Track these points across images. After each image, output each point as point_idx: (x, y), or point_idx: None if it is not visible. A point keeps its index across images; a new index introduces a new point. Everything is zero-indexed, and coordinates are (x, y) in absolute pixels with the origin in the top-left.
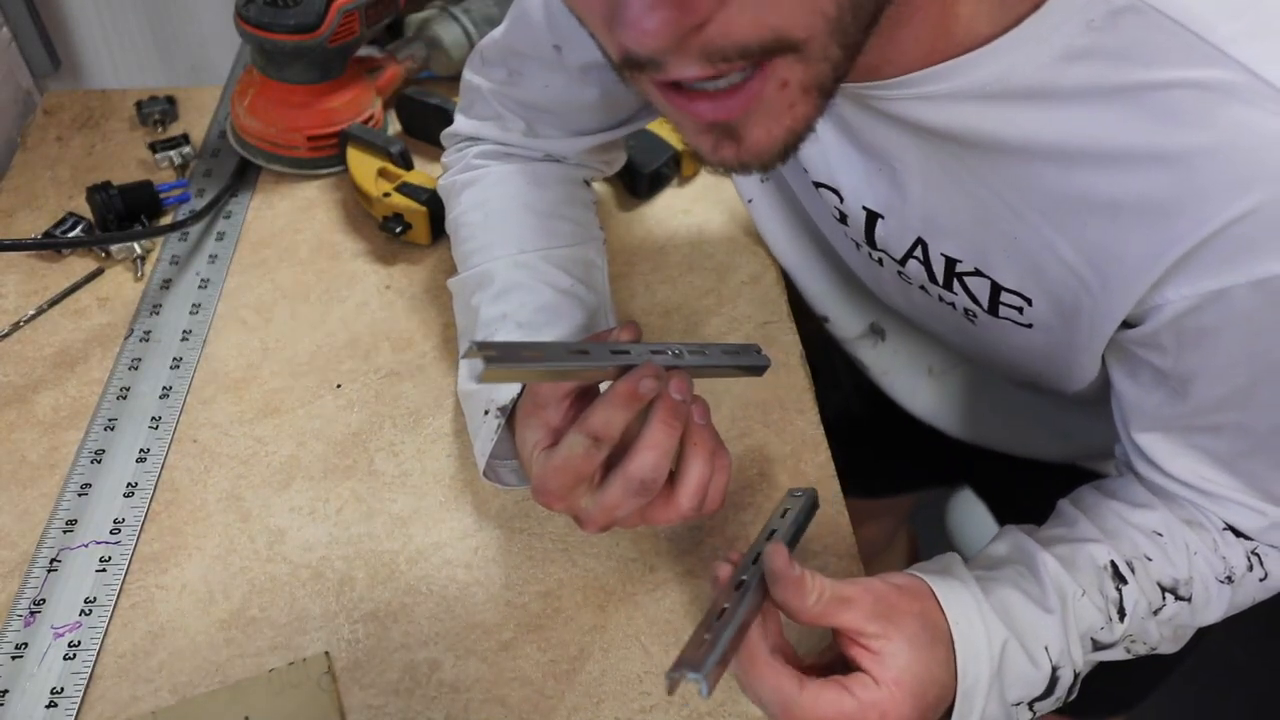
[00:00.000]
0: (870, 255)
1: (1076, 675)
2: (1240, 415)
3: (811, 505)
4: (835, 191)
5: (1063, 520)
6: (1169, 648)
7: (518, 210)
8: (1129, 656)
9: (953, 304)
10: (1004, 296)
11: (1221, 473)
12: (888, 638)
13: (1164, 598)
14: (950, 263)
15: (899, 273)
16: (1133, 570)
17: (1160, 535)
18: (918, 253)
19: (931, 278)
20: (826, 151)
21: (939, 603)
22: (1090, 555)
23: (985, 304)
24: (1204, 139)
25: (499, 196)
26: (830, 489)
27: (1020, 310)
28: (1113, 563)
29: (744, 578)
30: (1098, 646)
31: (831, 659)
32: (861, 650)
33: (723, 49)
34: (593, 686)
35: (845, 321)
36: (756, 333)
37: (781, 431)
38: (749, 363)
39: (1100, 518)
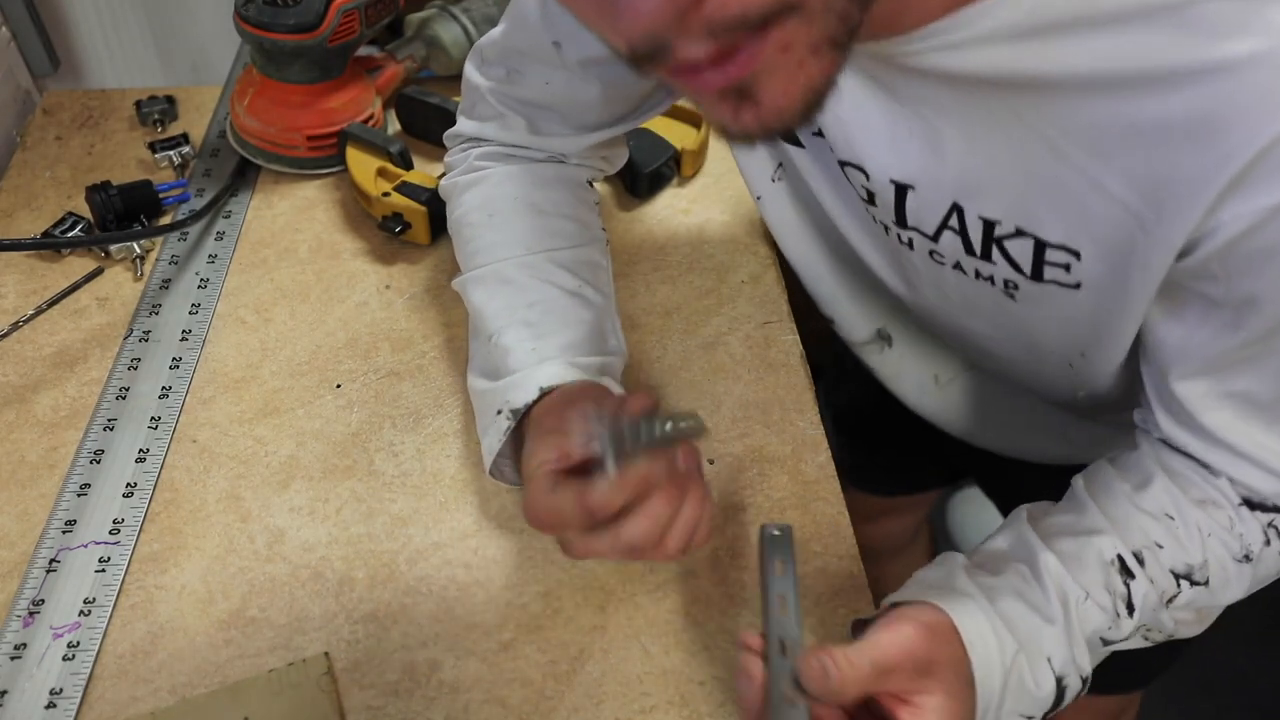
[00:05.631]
0: (900, 238)
1: (1085, 679)
2: None
3: (786, 541)
4: (861, 169)
5: (1073, 505)
6: (1192, 630)
7: (522, 210)
8: (1148, 643)
9: (991, 278)
10: (1050, 255)
11: (1257, 423)
12: (930, 693)
13: (1178, 584)
14: (989, 227)
15: (931, 252)
16: (1141, 562)
17: (1172, 519)
18: (953, 222)
19: (968, 248)
20: (849, 126)
21: (960, 633)
22: (1097, 550)
23: (1029, 269)
24: (1248, 47)
25: (503, 197)
26: (830, 489)
27: (1068, 268)
28: (1120, 556)
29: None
30: (1108, 642)
31: (857, 704)
32: (901, 705)
33: (724, 21)
34: (593, 687)
35: (852, 325)
36: (757, 333)
37: (781, 431)
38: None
39: (1110, 503)
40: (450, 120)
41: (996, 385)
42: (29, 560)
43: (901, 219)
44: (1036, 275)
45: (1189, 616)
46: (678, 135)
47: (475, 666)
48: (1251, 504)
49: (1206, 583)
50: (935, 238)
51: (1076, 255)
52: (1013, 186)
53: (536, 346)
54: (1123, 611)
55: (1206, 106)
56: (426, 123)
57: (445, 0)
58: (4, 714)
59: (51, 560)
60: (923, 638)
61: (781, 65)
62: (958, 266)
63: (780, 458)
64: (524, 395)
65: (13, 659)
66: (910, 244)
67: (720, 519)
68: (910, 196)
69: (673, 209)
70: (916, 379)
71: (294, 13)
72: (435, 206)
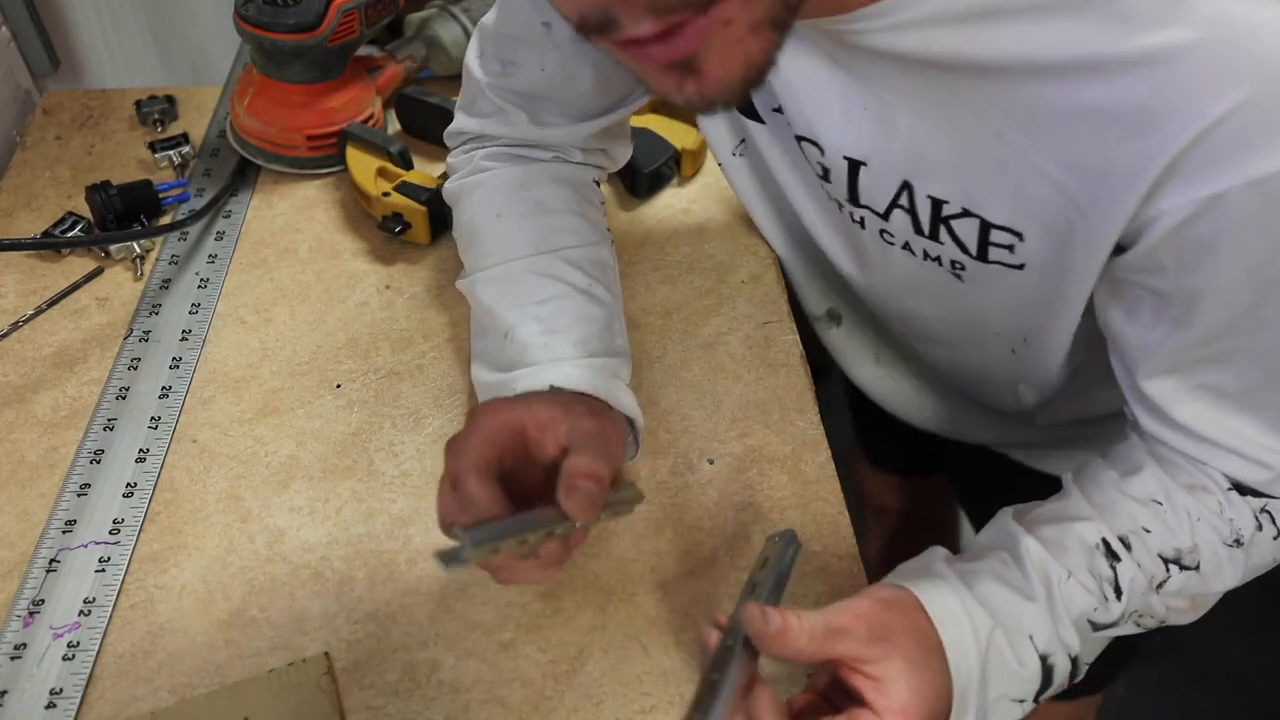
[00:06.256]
0: (853, 216)
1: (1075, 659)
2: (1249, 339)
3: (791, 546)
4: (816, 144)
5: (1059, 496)
6: (1187, 617)
7: (531, 209)
8: (1140, 630)
9: (939, 258)
10: (994, 235)
11: (1231, 414)
12: (887, 660)
13: (1168, 569)
14: (937, 206)
15: (881, 231)
16: (1128, 546)
17: (1159, 504)
18: (903, 200)
19: (917, 228)
20: (806, 102)
21: (924, 608)
22: (1079, 535)
23: (974, 249)
24: (1175, 37)
25: (510, 197)
26: (830, 489)
27: (1011, 249)
28: (1104, 540)
29: (730, 643)
30: (1098, 627)
31: (827, 681)
32: (862, 678)
33: (669, 1)
34: (593, 687)
35: (806, 299)
36: (757, 333)
37: (781, 431)
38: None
39: (1096, 490)
40: (450, 120)
41: (935, 372)
42: (29, 560)
43: (854, 196)
44: (982, 255)
45: (1182, 604)
46: (678, 135)
47: (475, 666)
48: (1241, 489)
49: (1197, 567)
50: (886, 215)
51: (1020, 236)
52: (959, 167)
53: (549, 342)
54: (1110, 595)
55: (1140, 96)
56: (426, 123)
57: (445, 0)
58: (4, 714)
59: (51, 560)
60: (878, 606)
61: (722, 41)
62: (907, 247)
63: (780, 458)
64: (531, 382)
65: (13, 659)
66: (862, 222)
67: (721, 519)
68: (863, 173)
69: (673, 209)
70: (860, 359)
71: (294, 13)
72: (435, 206)
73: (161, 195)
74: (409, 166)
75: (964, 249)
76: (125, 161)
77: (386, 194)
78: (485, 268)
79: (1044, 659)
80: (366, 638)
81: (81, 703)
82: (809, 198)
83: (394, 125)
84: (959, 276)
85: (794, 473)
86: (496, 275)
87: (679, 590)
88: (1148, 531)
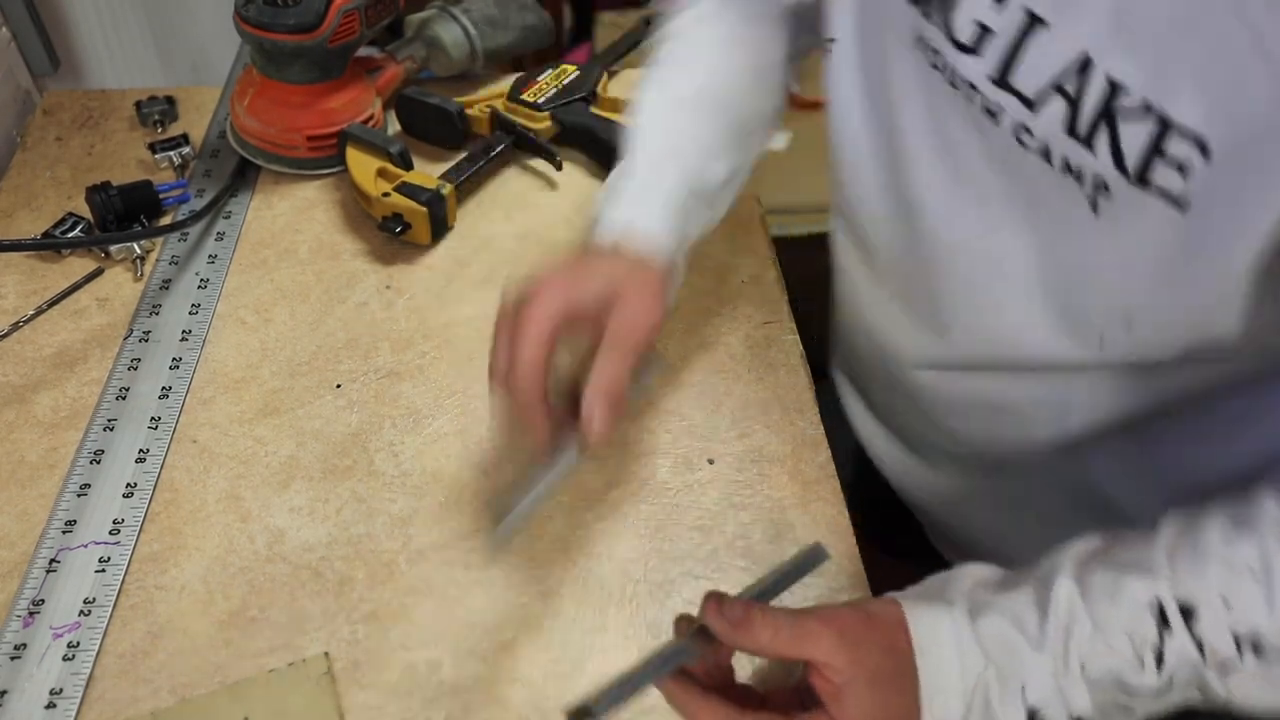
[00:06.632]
0: (986, 106)
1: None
2: None
3: (813, 556)
4: None
5: (1143, 535)
6: (1263, 708)
7: (718, 52)
8: (1205, 702)
9: (1080, 173)
10: (1171, 146)
11: None
12: (851, 675)
13: (1240, 652)
14: (1112, 93)
15: (1020, 128)
16: (1189, 615)
17: (1256, 573)
18: (1070, 83)
19: (1071, 126)
20: None
21: (908, 630)
22: (1132, 590)
23: (1136, 164)
24: None
25: (706, 36)
26: (830, 489)
27: (1184, 172)
28: (1159, 603)
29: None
30: (1137, 692)
31: (801, 680)
32: (824, 683)
33: None
34: (592, 687)
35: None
36: (757, 333)
37: (781, 431)
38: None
39: (1188, 538)
40: (450, 120)
41: (950, 410)
42: (29, 560)
43: (1006, 72)
44: (1141, 176)
45: (1260, 693)
46: None
47: (475, 666)
48: None
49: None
50: (1034, 105)
51: (1205, 152)
52: (1164, 37)
53: (646, 183)
54: (1149, 662)
55: None
56: (426, 123)
57: (445, 1)
58: (4, 714)
59: (51, 560)
60: (859, 617)
61: None
62: (1045, 154)
63: (780, 458)
64: (612, 221)
65: (13, 659)
66: (996, 116)
67: (721, 519)
68: (1037, 38)
69: None
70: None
71: (294, 13)
72: (435, 207)
73: (162, 196)
74: (409, 167)
75: (1120, 163)
76: (125, 162)
77: (386, 194)
78: (651, 83)
79: (1033, 713)
80: (366, 637)
81: (81, 703)
82: (919, 88)
83: (394, 126)
84: (1093, 206)
85: (794, 473)
86: (654, 96)
87: (679, 590)
88: (1226, 604)
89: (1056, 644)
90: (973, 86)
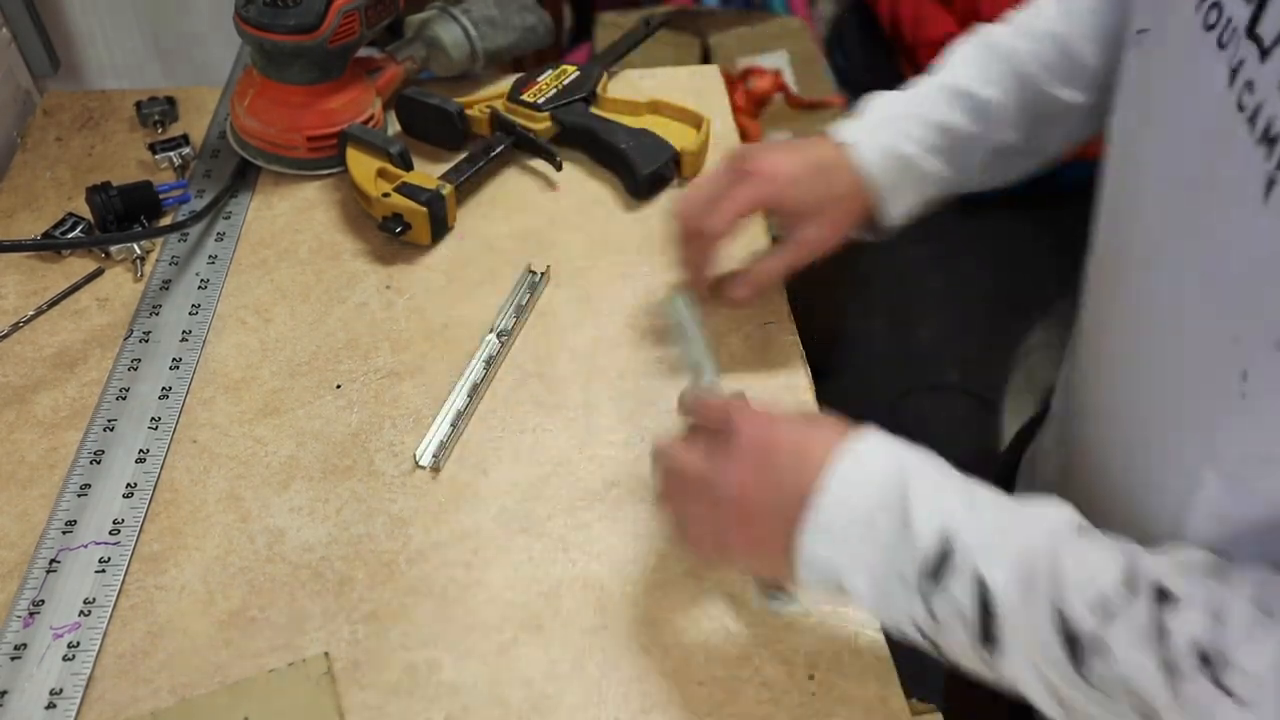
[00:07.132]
0: (1221, 47)
1: (984, 583)
2: None
3: (689, 307)
4: None
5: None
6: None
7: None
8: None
9: (1274, 142)
10: None
11: None
12: (753, 414)
13: (1199, 662)
14: None
15: (1247, 84)
16: (1171, 599)
17: (1268, 617)
18: None
19: None
20: None
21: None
22: (1131, 551)
23: None
24: None
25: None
26: None
27: None
28: (1160, 584)
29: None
30: (1070, 628)
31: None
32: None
33: None
34: (592, 687)
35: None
36: (757, 333)
37: None
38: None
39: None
40: (450, 121)
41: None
42: (29, 560)
43: (1257, 19)
44: None
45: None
46: (678, 136)
47: (475, 666)
48: None
49: (1230, 694)
50: (1269, 52)
51: None
52: None
53: (894, 101)
54: (1123, 595)
55: None
56: (426, 123)
57: (445, 1)
58: (4, 714)
59: (51, 560)
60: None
61: None
62: (1251, 119)
63: None
64: (857, 124)
65: (13, 659)
66: (1237, 71)
67: None
68: None
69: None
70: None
71: (294, 13)
72: (435, 207)
73: (162, 196)
74: (409, 167)
75: None
76: (125, 162)
77: (386, 195)
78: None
79: (944, 536)
80: (366, 637)
81: (81, 703)
82: (1163, 32)
83: (394, 126)
84: (1269, 186)
85: None
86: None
87: (679, 590)
88: (1219, 619)
89: (1003, 517)
90: (1219, 41)
